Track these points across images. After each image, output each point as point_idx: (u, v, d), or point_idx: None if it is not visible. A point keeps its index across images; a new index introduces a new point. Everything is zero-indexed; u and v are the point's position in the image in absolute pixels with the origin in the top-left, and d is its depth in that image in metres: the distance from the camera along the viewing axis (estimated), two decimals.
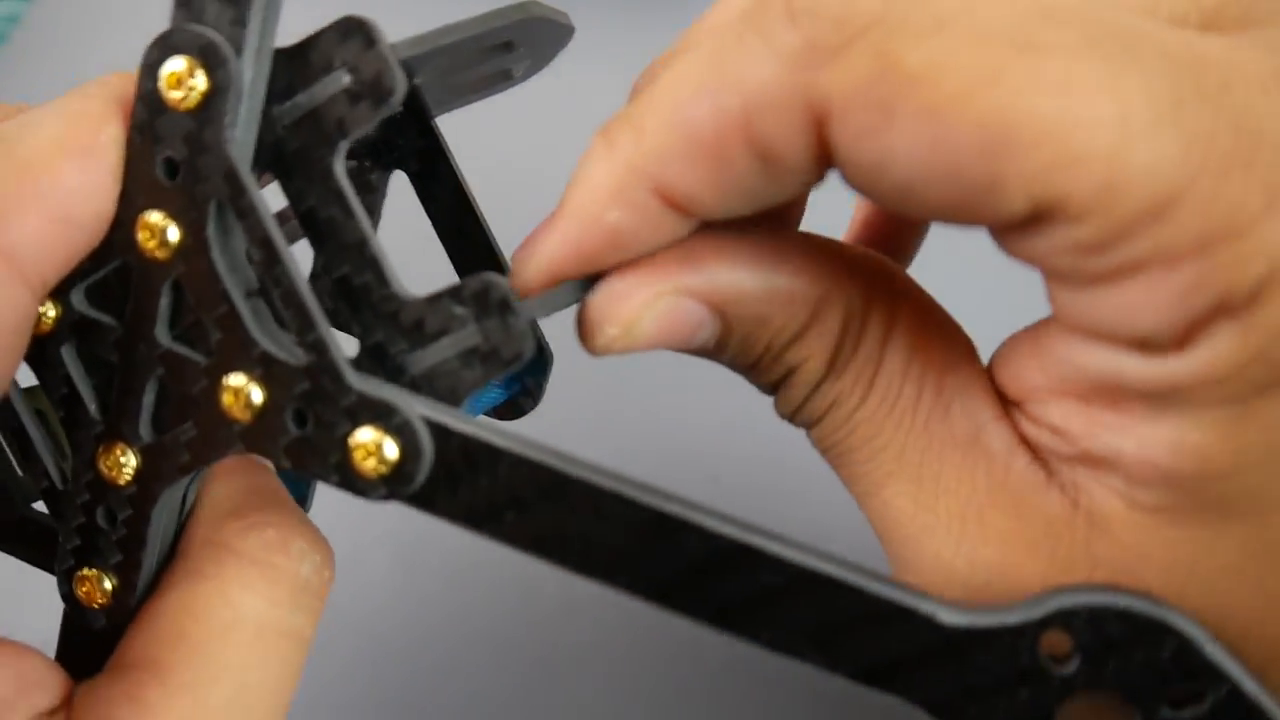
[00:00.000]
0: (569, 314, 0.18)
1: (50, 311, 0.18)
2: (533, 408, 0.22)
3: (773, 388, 0.19)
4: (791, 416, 0.19)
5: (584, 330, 0.18)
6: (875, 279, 0.19)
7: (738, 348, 0.18)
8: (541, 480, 0.16)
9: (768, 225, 0.18)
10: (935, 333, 0.19)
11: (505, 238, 0.22)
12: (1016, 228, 0.16)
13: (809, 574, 0.16)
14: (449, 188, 0.21)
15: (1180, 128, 0.14)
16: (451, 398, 0.17)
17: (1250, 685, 0.15)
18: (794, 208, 0.21)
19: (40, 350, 0.18)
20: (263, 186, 0.18)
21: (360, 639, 0.30)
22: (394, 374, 0.18)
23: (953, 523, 0.17)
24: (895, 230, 0.23)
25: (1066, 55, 0.15)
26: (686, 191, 0.17)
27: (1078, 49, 0.15)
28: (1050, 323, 0.17)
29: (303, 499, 0.24)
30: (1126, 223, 0.15)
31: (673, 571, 0.16)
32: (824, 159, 0.16)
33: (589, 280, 0.18)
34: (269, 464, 0.21)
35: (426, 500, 0.17)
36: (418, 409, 0.17)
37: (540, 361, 0.22)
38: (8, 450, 0.20)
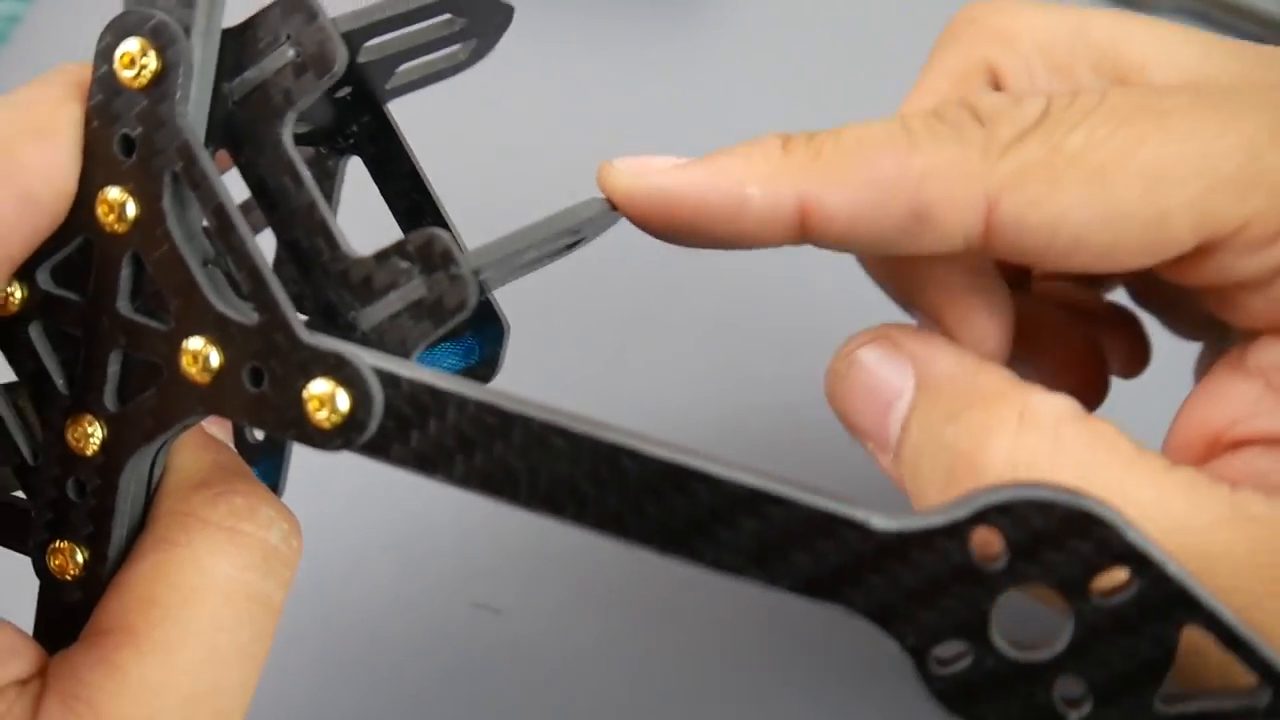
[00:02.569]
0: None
1: (17, 293, 0.19)
2: (491, 378, 0.22)
3: None
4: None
5: None
6: None
7: None
8: (487, 419, 0.17)
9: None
10: None
11: (462, 221, 0.22)
12: (1189, 257, 0.19)
13: (744, 490, 0.16)
14: (403, 170, 0.22)
15: None
16: (401, 351, 0.18)
17: (1174, 568, 0.15)
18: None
19: (8, 330, 0.19)
20: (223, 171, 0.19)
21: (364, 644, 0.31)
22: (346, 332, 0.18)
23: None
24: None
25: (1189, 113, 0.19)
26: (828, 213, 0.19)
27: (1195, 107, 0.19)
28: (1243, 348, 0.20)
29: (274, 487, 0.24)
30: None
31: (615, 498, 0.17)
32: (974, 236, 0.19)
33: (539, 250, 0.19)
34: (231, 447, 0.21)
35: (380, 448, 0.18)
36: (367, 360, 0.17)
37: (497, 329, 0.22)
38: None
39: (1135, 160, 0.18)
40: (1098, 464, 0.18)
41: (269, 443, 0.24)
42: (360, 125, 0.22)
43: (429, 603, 0.31)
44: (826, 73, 0.43)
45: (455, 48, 0.22)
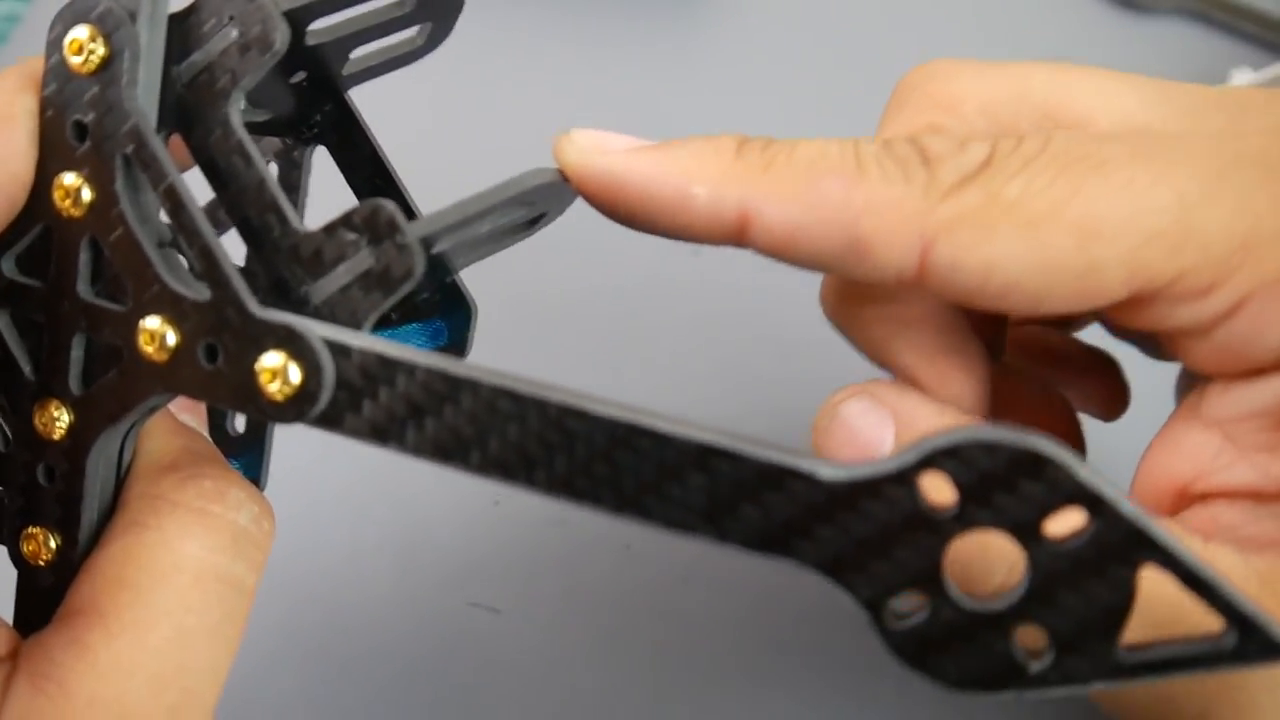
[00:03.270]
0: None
1: None
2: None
3: None
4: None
5: None
6: None
7: None
8: (435, 385, 0.17)
9: None
10: None
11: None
12: (1126, 304, 0.19)
13: (691, 445, 0.16)
14: (365, 155, 0.22)
15: (1231, 192, 0.19)
16: (353, 323, 0.18)
17: (1128, 506, 0.15)
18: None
19: None
20: (184, 169, 0.19)
21: (360, 643, 0.31)
22: (299, 307, 0.18)
23: None
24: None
25: (1125, 164, 0.19)
26: (767, 224, 0.19)
27: (1132, 158, 0.19)
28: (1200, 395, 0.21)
29: (255, 481, 0.24)
30: (1214, 270, 0.18)
31: (564, 460, 0.17)
32: (908, 274, 0.19)
33: (491, 218, 0.19)
34: (203, 431, 0.21)
35: (333, 419, 0.18)
36: (318, 331, 0.17)
37: (464, 312, 0.22)
38: None
39: (1069, 212, 0.19)
40: None
41: (250, 436, 0.24)
42: (323, 114, 0.22)
43: (426, 602, 0.31)
44: (824, 72, 0.43)
45: (411, 32, 0.22)
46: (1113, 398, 0.27)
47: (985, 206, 0.19)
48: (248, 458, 0.24)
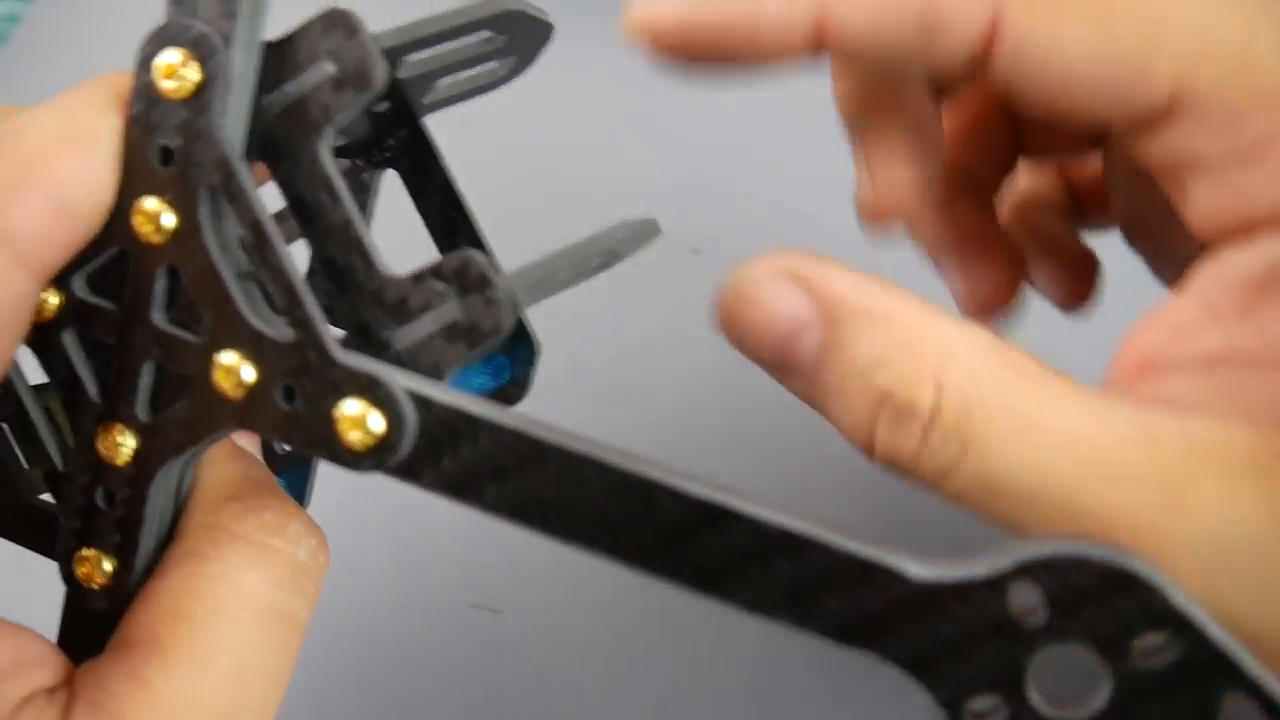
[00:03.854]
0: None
1: (52, 299, 0.19)
2: (521, 398, 0.22)
3: None
4: None
5: None
6: None
7: None
8: (520, 448, 0.17)
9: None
10: None
11: (493, 233, 0.22)
12: (1155, 121, 0.19)
13: (781, 531, 0.16)
14: (438, 184, 0.22)
15: None
16: (435, 372, 0.18)
17: (1216, 631, 0.15)
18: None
19: (43, 337, 0.19)
20: (260, 183, 0.19)
21: (362, 644, 0.31)
22: (379, 351, 0.18)
23: None
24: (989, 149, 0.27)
25: None
26: (844, 22, 0.19)
27: None
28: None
29: (299, 499, 0.24)
30: (1255, 103, 0.19)
31: (650, 534, 0.17)
32: (978, 50, 0.19)
33: (573, 270, 0.19)
34: (259, 458, 0.21)
35: (411, 471, 0.17)
36: (401, 381, 0.17)
37: (528, 351, 0.22)
38: (12, 440, 0.20)
39: (1141, 10, 0.19)
40: (1012, 392, 0.18)
41: (295, 453, 0.24)
42: (397, 139, 0.22)
43: (427, 603, 0.31)
44: (822, 70, 0.42)
45: (494, 64, 0.22)
46: (1080, 290, 0.27)
47: None
48: (293, 476, 0.24)
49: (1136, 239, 0.25)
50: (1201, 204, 0.20)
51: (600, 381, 0.34)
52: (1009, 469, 0.17)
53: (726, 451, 0.34)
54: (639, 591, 0.31)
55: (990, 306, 0.26)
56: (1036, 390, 0.18)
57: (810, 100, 0.42)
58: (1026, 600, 0.15)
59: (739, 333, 0.19)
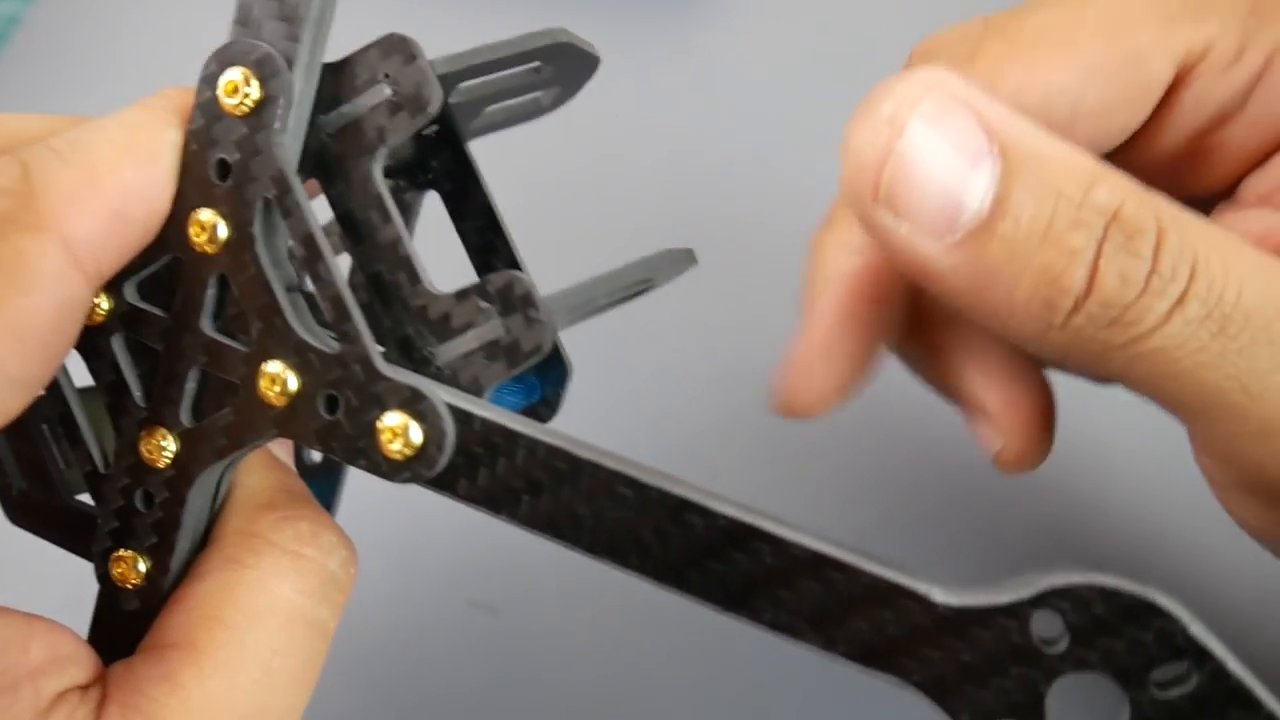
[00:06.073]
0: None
1: (104, 304, 0.20)
2: (551, 417, 0.23)
3: None
4: None
5: None
6: None
7: None
8: (556, 464, 0.17)
9: None
10: None
11: (530, 255, 0.23)
12: (1171, 98, 0.20)
13: (808, 553, 0.16)
14: (479, 207, 0.22)
15: None
16: (474, 388, 0.19)
17: (1235, 664, 0.15)
18: None
19: (92, 340, 0.20)
20: (312, 197, 0.20)
21: (360, 642, 0.31)
22: (421, 365, 0.19)
23: None
24: None
25: None
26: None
27: None
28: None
29: (328, 507, 0.24)
30: (1237, 35, 0.20)
31: (679, 552, 0.17)
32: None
33: (610, 297, 0.19)
34: (293, 468, 0.22)
35: (448, 484, 0.18)
36: (442, 395, 0.18)
37: (560, 371, 0.23)
38: (52, 441, 0.21)
39: (1090, 15, 0.20)
40: (1216, 231, 0.17)
41: (326, 464, 0.24)
42: (440, 162, 0.22)
43: (426, 601, 0.31)
44: (823, 70, 0.42)
45: (539, 94, 0.22)
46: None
47: (1013, 32, 0.20)
48: (322, 485, 0.24)
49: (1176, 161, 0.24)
50: (1236, 144, 0.21)
51: (602, 386, 0.35)
52: (1242, 296, 0.17)
53: (728, 453, 0.34)
54: (636, 590, 0.31)
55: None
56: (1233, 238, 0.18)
57: (812, 97, 0.42)
58: (1048, 628, 0.16)
59: (892, 182, 0.16)
